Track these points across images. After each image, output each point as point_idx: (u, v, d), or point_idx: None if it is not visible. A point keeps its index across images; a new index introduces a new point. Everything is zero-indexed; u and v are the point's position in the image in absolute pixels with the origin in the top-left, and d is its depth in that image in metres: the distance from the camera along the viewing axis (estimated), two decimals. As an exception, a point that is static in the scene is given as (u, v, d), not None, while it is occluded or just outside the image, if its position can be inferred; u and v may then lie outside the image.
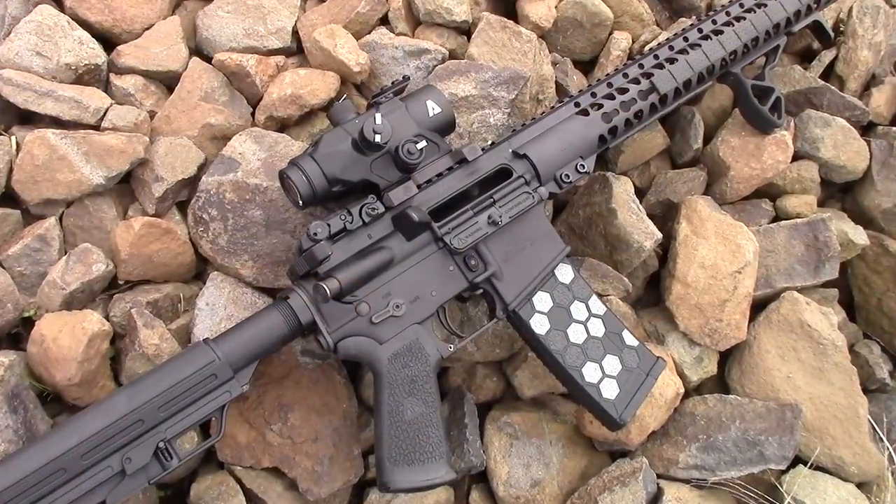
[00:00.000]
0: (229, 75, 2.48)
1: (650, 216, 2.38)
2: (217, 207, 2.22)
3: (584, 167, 2.28)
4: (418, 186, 2.14)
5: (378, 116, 2.05)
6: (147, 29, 2.50)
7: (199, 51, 2.55)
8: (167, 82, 2.47)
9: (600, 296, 2.37)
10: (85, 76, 2.35)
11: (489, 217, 2.14)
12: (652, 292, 2.54)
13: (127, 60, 2.41)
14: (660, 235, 2.34)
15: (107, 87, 2.41)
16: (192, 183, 2.30)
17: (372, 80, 2.51)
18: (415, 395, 2.01)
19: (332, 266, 2.00)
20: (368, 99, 2.27)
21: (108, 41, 2.50)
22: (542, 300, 2.18)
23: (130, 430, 1.75)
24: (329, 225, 2.03)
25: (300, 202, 2.06)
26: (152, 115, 2.40)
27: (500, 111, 2.42)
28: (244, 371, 1.93)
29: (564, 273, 2.22)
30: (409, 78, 2.24)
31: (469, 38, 2.56)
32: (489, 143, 2.29)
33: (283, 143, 2.30)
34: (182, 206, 2.31)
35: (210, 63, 2.48)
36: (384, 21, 2.60)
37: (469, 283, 2.13)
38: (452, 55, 2.55)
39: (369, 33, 2.54)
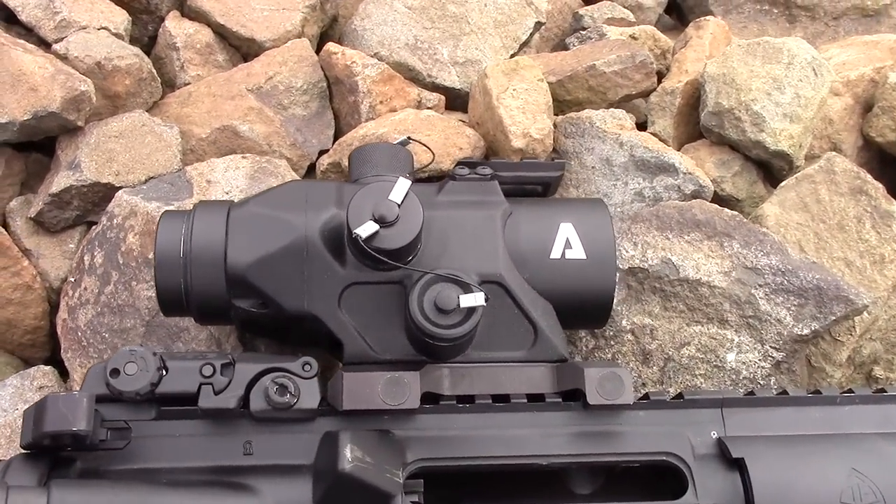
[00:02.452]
0: (332, 81, 1.39)
1: None
2: (107, 252, 1.10)
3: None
4: (429, 399, 0.84)
5: (400, 187, 0.80)
6: (272, -25, 1.51)
7: (340, 42, 1.49)
8: (248, 54, 1.44)
9: None
10: (126, -10, 1.40)
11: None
12: None
13: (202, 1, 1.43)
14: None
15: (159, 26, 1.44)
16: (129, 201, 1.20)
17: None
18: None
19: (94, 464, 0.78)
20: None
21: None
22: None
23: None
24: (163, 368, 0.81)
25: (157, 298, 0.87)
26: (181, 87, 1.37)
27: (762, 348, 1.02)
28: None
29: None
30: (563, 165, 0.96)
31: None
32: (672, 393, 0.91)
33: (293, 199, 1.12)
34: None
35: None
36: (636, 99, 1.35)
37: None
38: (719, 200, 1.21)
39: (598, 108, 1.30)
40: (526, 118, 1.21)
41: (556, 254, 0.88)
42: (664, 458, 0.84)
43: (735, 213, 1.09)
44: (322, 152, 1.34)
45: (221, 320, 0.91)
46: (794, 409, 0.88)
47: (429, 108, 1.39)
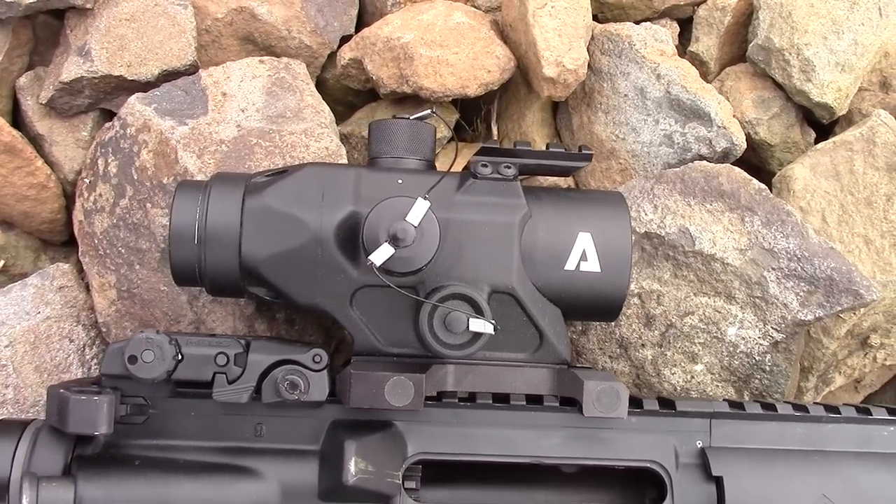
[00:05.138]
0: (361, -45, 1.29)
1: None
2: (122, 162, 1.08)
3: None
4: (438, 397, 0.88)
5: (418, 208, 0.79)
6: None
7: None
8: None
9: None
10: None
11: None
12: None
13: None
14: None
15: None
16: (142, 89, 1.15)
17: (584, 105, 1.21)
18: None
19: (114, 437, 0.84)
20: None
21: None
22: None
23: None
24: (180, 355, 0.84)
25: (171, 271, 0.88)
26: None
27: (764, 327, 1.05)
28: None
29: None
30: (590, 156, 0.93)
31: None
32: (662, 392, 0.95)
33: (311, 121, 1.09)
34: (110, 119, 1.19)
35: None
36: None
37: None
38: (751, 145, 1.18)
39: (642, 15, 1.23)
40: (561, 43, 1.13)
41: (570, 265, 0.88)
42: (649, 464, 0.89)
43: (762, 186, 1.06)
44: (344, 39, 1.27)
45: (235, 296, 0.93)
46: (779, 423, 0.93)
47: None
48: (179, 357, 0.85)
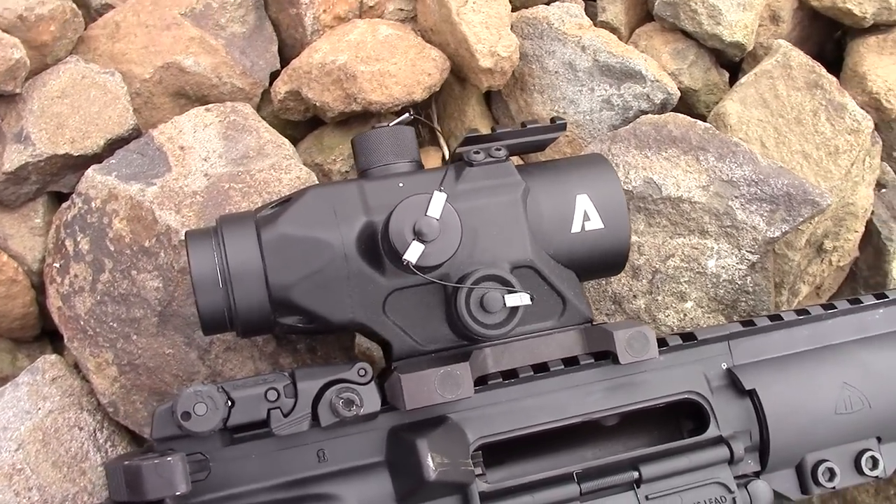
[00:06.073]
0: (268, -9, 1.30)
1: None
2: (93, 238, 1.06)
3: (875, 465, 0.98)
4: (481, 381, 0.91)
5: (437, 201, 0.82)
6: None
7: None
8: (163, -35, 1.31)
9: None
10: None
11: (612, 516, 0.90)
12: None
13: None
14: None
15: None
16: (89, 163, 1.13)
17: (517, 91, 1.26)
18: None
19: (182, 500, 0.83)
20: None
21: None
22: None
23: None
24: (230, 401, 0.84)
25: (200, 321, 0.88)
26: (95, 17, 1.26)
27: (739, 253, 1.12)
28: None
29: None
30: (564, 126, 0.98)
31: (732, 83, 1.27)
32: (678, 332, 1.01)
33: (275, 155, 1.10)
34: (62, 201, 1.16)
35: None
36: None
37: None
38: (686, 105, 1.26)
39: (549, 3, 1.29)
40: (490, 34, 1.19)
41: (576, 227, 0.93)
42: (688, 396, 0.95)
43: (707, 125, 1.14)
44: (273, 75, 1.28)
45: (264, 333, 0.93)
46: (787, 330, 1.00)
47: (370, 6, 1.33)
48: (230, 403, 0.84)
